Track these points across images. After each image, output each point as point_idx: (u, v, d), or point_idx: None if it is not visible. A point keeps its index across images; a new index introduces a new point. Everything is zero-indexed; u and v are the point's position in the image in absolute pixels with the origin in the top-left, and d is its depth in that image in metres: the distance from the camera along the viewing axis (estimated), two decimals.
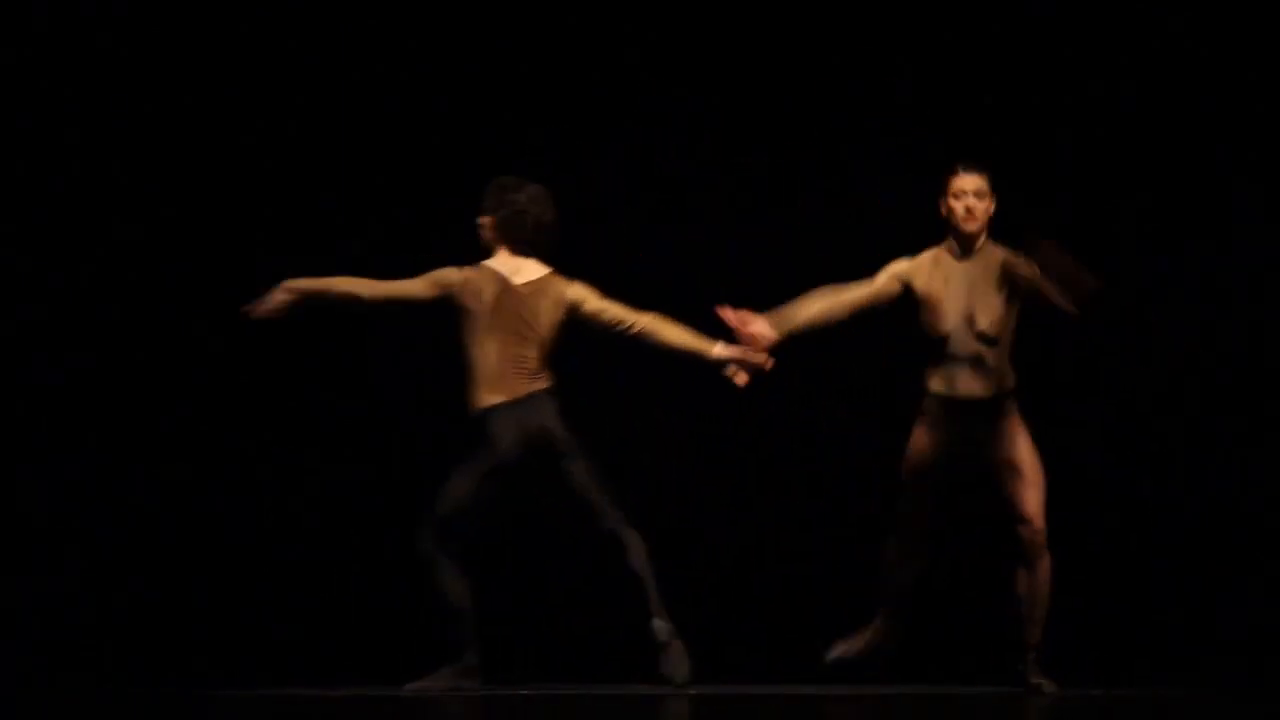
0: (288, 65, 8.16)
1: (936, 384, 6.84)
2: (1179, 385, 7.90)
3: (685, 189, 8.22)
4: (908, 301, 6.86)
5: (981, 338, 6.77)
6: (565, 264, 8.16)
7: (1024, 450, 6.79)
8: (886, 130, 7.98)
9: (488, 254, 6.96)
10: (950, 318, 6.79)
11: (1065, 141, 7.99)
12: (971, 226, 6.79)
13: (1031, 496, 6.76)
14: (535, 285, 6.93)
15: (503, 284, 6.90)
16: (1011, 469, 6.78)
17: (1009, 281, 6.76)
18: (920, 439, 6.86)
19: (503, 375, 6.84)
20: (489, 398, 6.83)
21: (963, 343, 6.80)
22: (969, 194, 6.79)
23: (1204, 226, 7.90)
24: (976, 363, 6.79)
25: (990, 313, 6.76)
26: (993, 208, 6.81)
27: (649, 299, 8.10)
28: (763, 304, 8.03)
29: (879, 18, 8.09)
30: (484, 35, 8.21)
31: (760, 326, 6.85)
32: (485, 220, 6.97)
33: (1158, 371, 7.91)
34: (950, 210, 6.81)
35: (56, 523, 7.99)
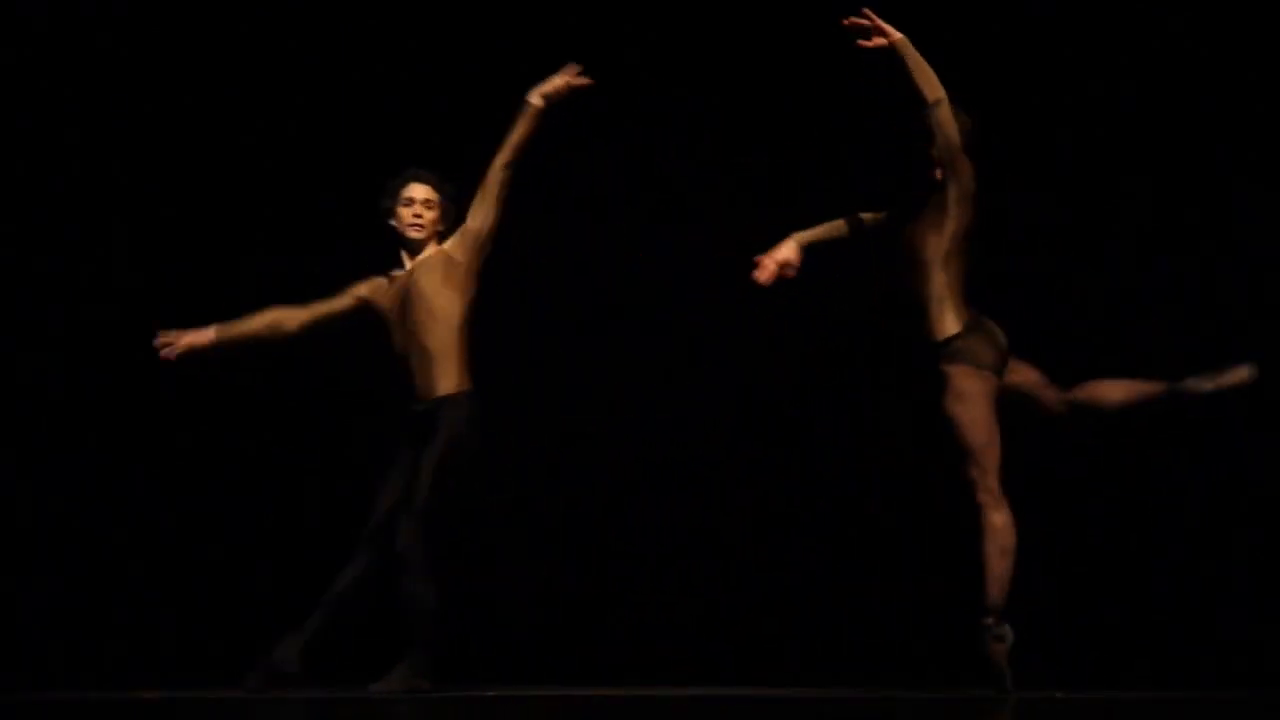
0: (287, 65, 8.17)
1: None
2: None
3: (685, 189, 8.22)
4: None
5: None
6: (564, 263, 8.19)
7: (948, 413, 6.55)
8: (886, 130, 7.98)
9: (415, 247, 6.93)
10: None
11: (1065, 141, 7.99)
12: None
13: (963, 463, 6.53)
14: None
15: None
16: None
17: (939, 204, 6.61)
18: None
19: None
20: (469, 382, 6.87)
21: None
22: None
23: (1204, 226, 7.89)
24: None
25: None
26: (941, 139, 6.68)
27: (648, 298, 8.13)
28: (760, 304, 8.04)
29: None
30: (483, 35, 8.22)
31: (780, 252, 6.77)
32: (438, 216, 6.97)
33: (1158, 370, 7.90)
34: None
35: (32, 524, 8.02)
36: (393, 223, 6.95)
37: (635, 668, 7.68)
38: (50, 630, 7.87)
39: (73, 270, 8.08)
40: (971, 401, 6.54)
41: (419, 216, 6.94)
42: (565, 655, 7.89)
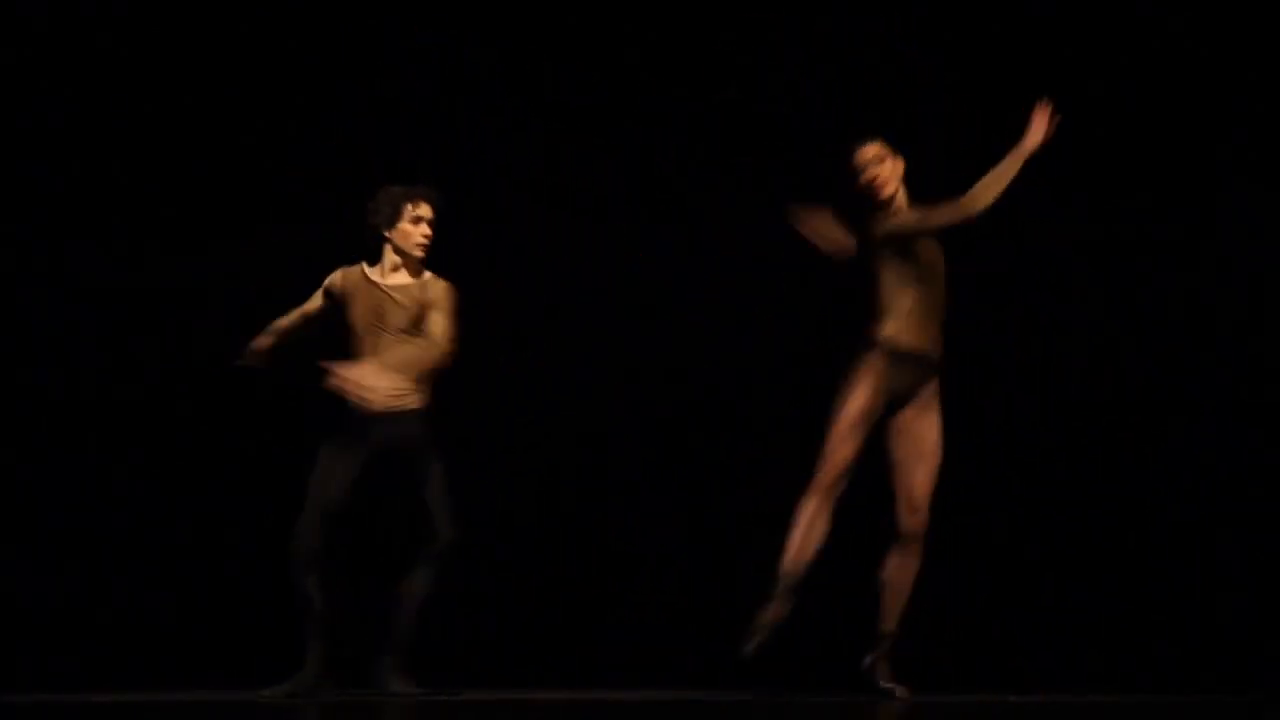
0: (285, 65, 8.17)
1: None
2: (1179, 384, 7.90)
3: (685, 189, 8.22)
4: None
5: None
6: (564, 263, 8.17)
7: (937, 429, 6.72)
8: (886, 130, 7.97)
9: (415, 266, 6.84)
10: None
11: (1066, 141, 7.98)
12: None
13: (928, 483, 6.71)
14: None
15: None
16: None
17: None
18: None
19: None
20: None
21: None
22: None
23: (1203, 224, 7.89)
24: None
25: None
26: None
27: (647, 297, 8.13)
28: (759, 303, 8.04)
29: (878, 18, 8.09)
30: (483, 35, 8.22)
31: None
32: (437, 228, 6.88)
33: (1157, 371, 7.91)
34: None
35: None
36: (388, 234, 6.83)
37: (633, 669, 7.68)
38: (50, 630, 7.88)
39: (73, 270, 8.09)
40: None
41: (428, 237, 6.81)
42: (561, 657, 7.88)
